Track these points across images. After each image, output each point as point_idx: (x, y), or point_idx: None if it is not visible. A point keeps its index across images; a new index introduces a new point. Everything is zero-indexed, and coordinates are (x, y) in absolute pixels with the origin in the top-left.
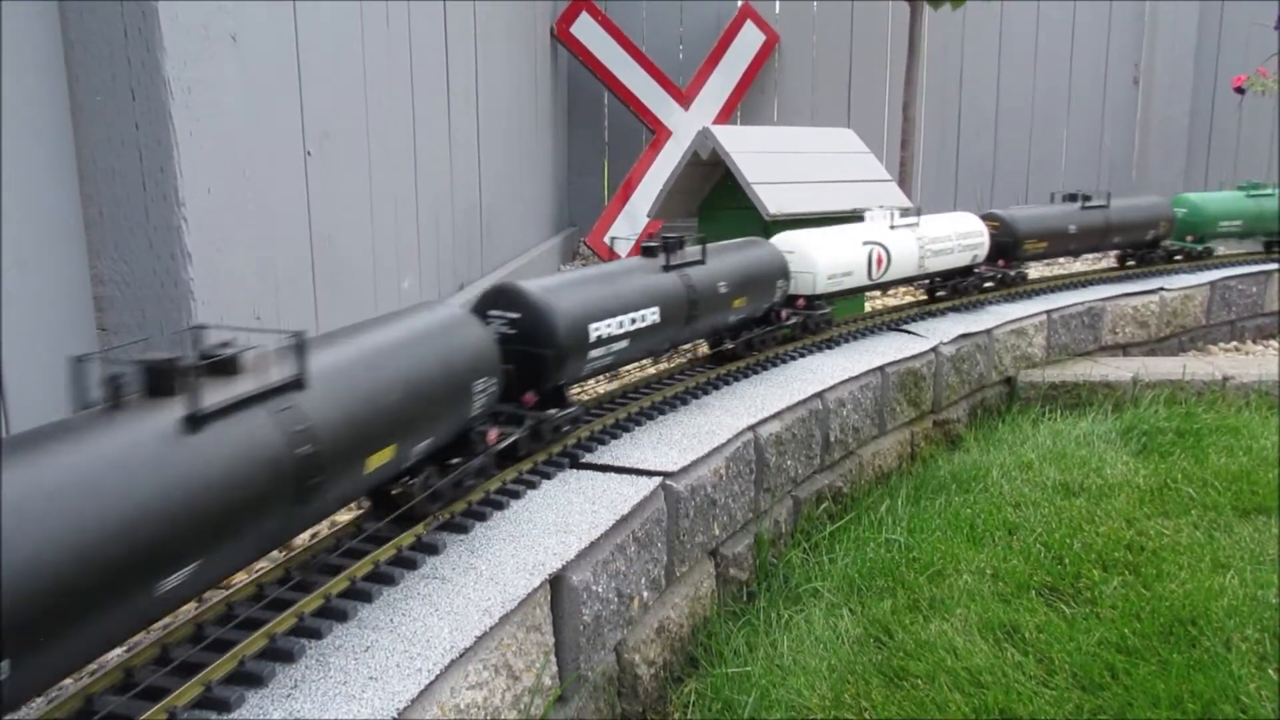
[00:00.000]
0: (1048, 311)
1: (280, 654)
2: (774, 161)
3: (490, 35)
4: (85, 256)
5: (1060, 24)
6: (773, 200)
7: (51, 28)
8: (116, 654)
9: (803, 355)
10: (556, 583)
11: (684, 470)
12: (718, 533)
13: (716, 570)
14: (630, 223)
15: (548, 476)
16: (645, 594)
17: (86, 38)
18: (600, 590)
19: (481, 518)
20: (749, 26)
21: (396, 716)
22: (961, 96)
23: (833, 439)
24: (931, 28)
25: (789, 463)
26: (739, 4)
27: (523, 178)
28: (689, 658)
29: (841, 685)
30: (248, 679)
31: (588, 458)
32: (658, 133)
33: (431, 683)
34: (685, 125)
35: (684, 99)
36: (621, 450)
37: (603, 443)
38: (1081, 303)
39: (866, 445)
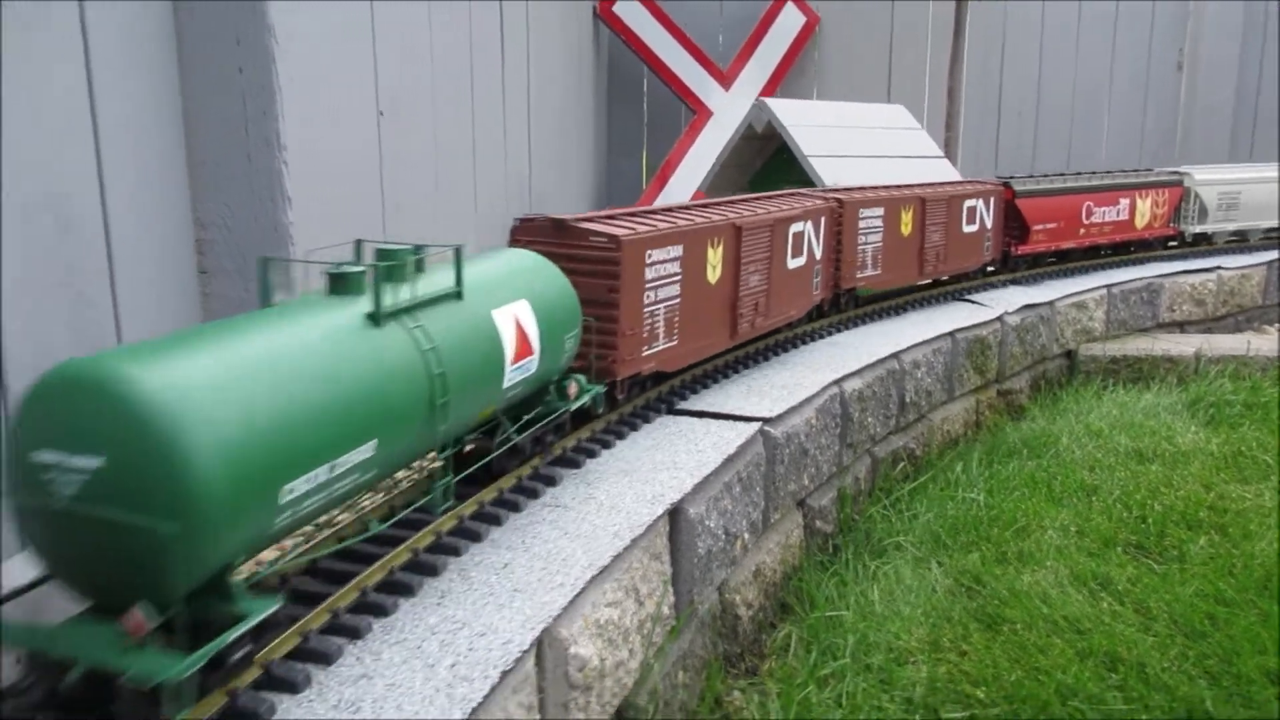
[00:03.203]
0: (1107, 286)
1: (424, 567)
2: (830, 135)
3: (541, 13)
4: (189, 201)
5: (1103, 6)
6: (830, 173)
7: None
8: (269, 555)
9: (874, 320)
10: (675, 514)
11: (780, 417)
12: (806, 483)
13: (805, 521)
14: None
15: (646, 420)
16: (746, 536)
17: None
18: (712, 525)
19: (592, 454)
20: (790, 8)
21: (549, 624)
22: (1003, 78)
23: (908, 400)
24: (974, 8)
25: (870, 419)
26: None
27: (568, 155)
28: (781, 605)
29: (939, 630)
30: (399, 588)
31: (682, 405)
32: (698, 113)
33: (576, 596)
34: (726, 106)
35: (725, 79)
36: (714, 399)
37: (694, 392)
38: (1140, 279)
39: (937, 410)
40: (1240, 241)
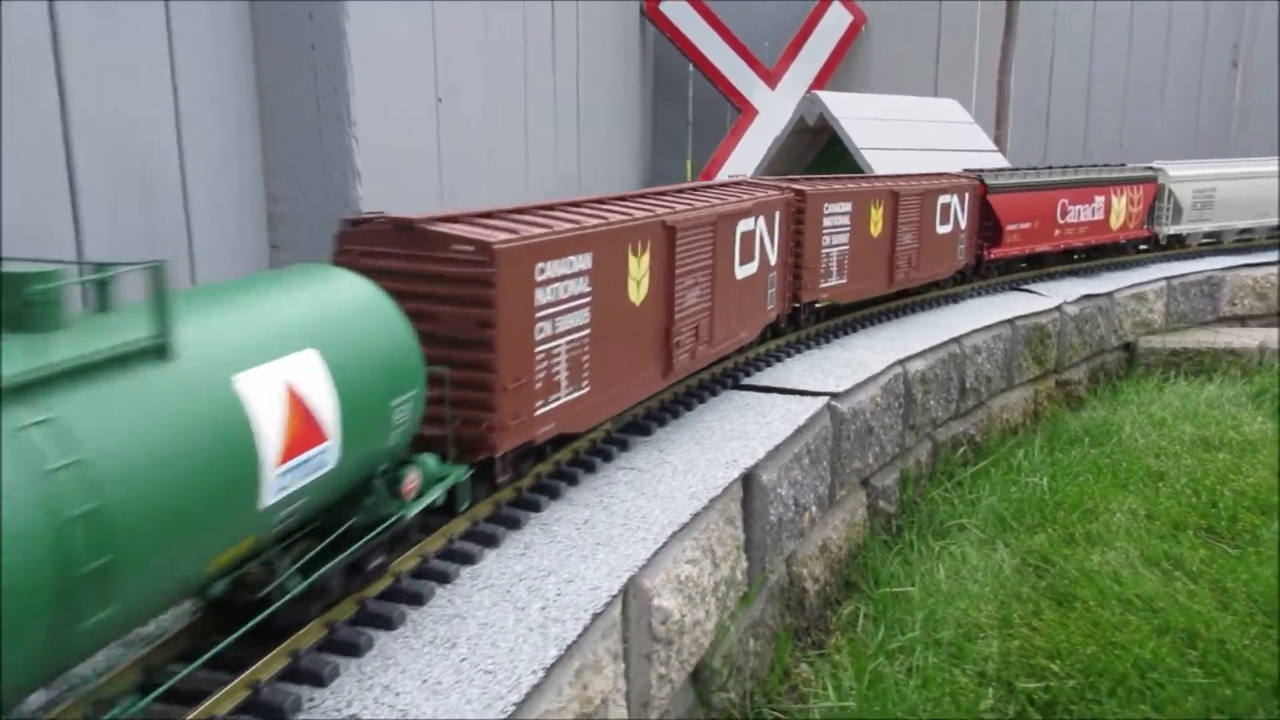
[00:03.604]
0: (1167, 278)
1: (506, 520)
2: (882, 128)
3: (590, 11)
4: (262, 176)
5: (1156, 8)
6: (882, 166)
7: None
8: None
9: (933, 308)
10: (749, 480)
11: (847, 393)
12: (871, 461)
13: (869, 500)
14: None
15: (713, 393)
16: (814, 509)
17: None
18: (783, 494)
19: (662, 422)
20: (836, 6)
21: (634, 573)
22: (1053, 74)
23: (968, 385)
24: (1025, 6)
25: (931, 402)
26: None
27: (615, 152)
28: (845, 582)
29: (1008, 607)
30: (483, 538)
31: (747, 380)
32: (744, 111)
33: (658, 550)
34: (771, 105)
35: (771, 78)
36: (778, 376)
37: (757, 369)
38: (1200, 271)
39: (996, 397)
40: (1213, 243)
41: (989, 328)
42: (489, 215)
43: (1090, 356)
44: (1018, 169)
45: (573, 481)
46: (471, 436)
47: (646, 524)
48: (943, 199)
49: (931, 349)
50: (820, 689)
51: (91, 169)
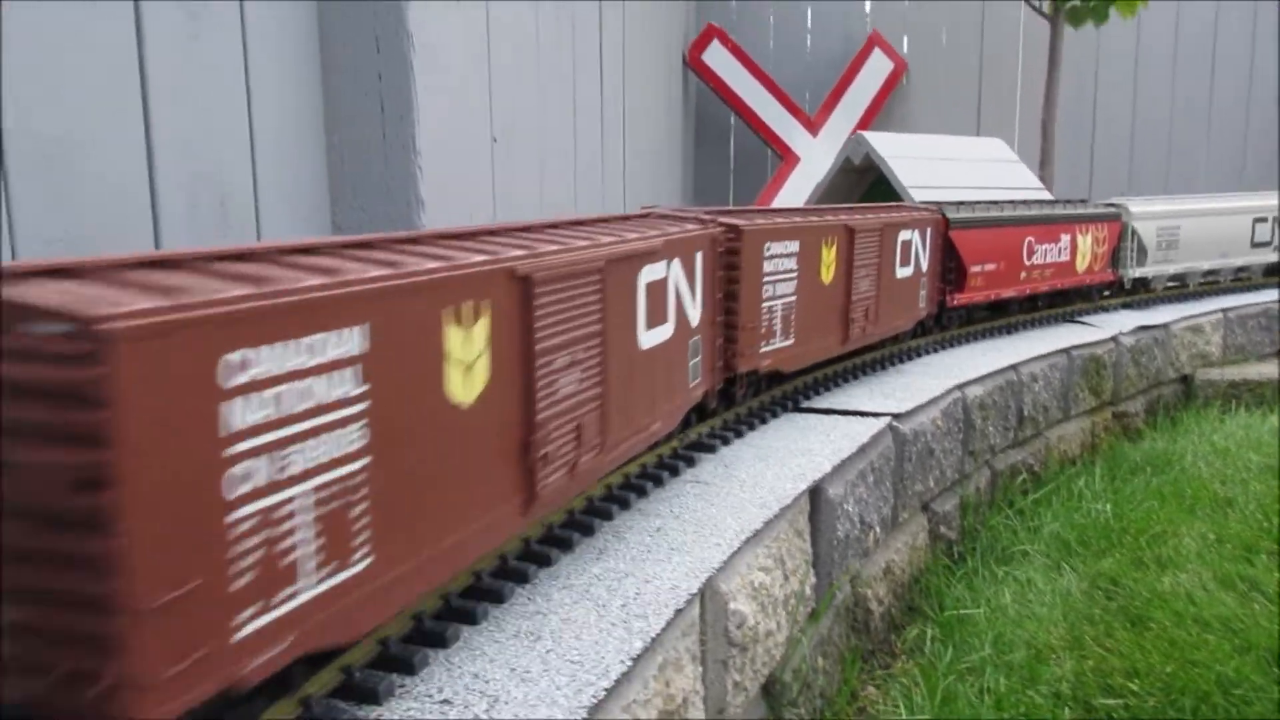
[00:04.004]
0: (1224, 310)
1: (580, 525)
2: (928, 168)
3: (635, 60)
4: (329, 203)
5: (1201, 43)
6: None
7: None
8: None
9: (988, 338)
10: (816, 493)
11: (909, 414)
12: (932, 485)
13: (930, 525)
14: None
15: (774, 415)
16: (878, 529)
17: None
18: (850, 510)
19: (725, 441)
20: (877, 54)
21: (711, 575)
22: (1096, 112)
23: (1025, 413)
24: (1067, 44)
25: (990, 429)
26: (868, 31)
27: (659, 197)
28: (908, 607)
29: (1079, 628)
30: (558, 541)
31: (806, 404)
32: (785, 158)
33: (733, 555)
34: (813, 151)
35: (812, 126)
36: (837, 400)
37: (817, 393)
38: (1258, 303)
39: (1053, 427)
40: (1179, 288)
41: (1045, 356)
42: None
43: (1147, 389)
44: (979, 203)
45: (642, 493)
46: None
47: (719, 531)
48: (904, 235)
49: (989, 375)
50: (891, 707)
51: (172, 185)
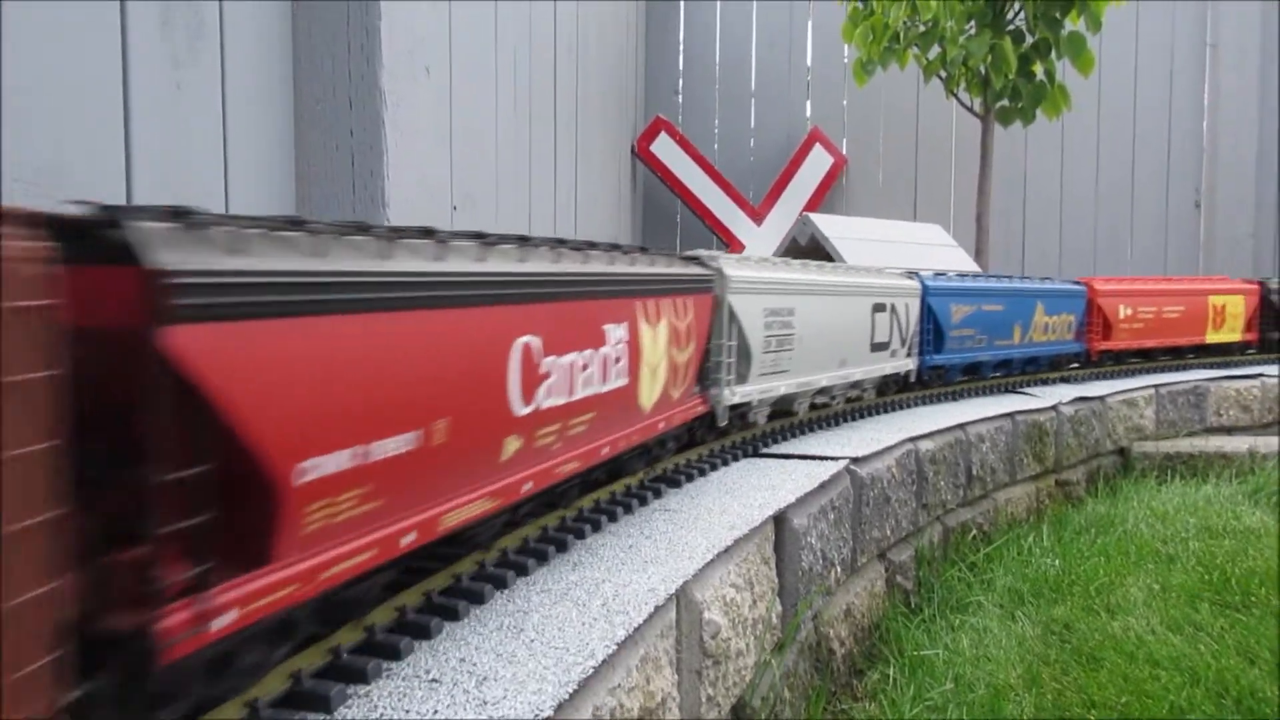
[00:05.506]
0: (1155, 386)
1: (554, 540)
2: (871, 249)
3: (587, 148)
4: None
5: (1120, 147)
6: None
7: (285, 38)
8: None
9: (929, 404)
10: (780, 521)
11: (865, 459)
12: (889, 533)
13: (887, 573)
14: None
15: (735, 458)
16: (839, 569)
17: (313, 48)
18: (813, 542)
19: (690, 477)
20: (818, 149)
21: (686, 581)
22: (1026, 203)
23: (974, 473)
24: (997, 139)
25: (942, 484)
26: (808, 128)
27: None
28: (869, 653)
29: (1036, 669)
30: (534, 552)
31: (765, 450)
32: (730, 245)
33: (704, 567)
34: (757, 239)
35: (757, 215)
36: (794, 447)
37: (776, 441)
38: (1186, 380)
39: (1001, 490)
40: (787, 415)
41: (990, 419)
42: None
43: (1087, 458)
44: None
45: (613, 518)
46: None
47: (690, 549)
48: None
49: (939, 431)
50: None
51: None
